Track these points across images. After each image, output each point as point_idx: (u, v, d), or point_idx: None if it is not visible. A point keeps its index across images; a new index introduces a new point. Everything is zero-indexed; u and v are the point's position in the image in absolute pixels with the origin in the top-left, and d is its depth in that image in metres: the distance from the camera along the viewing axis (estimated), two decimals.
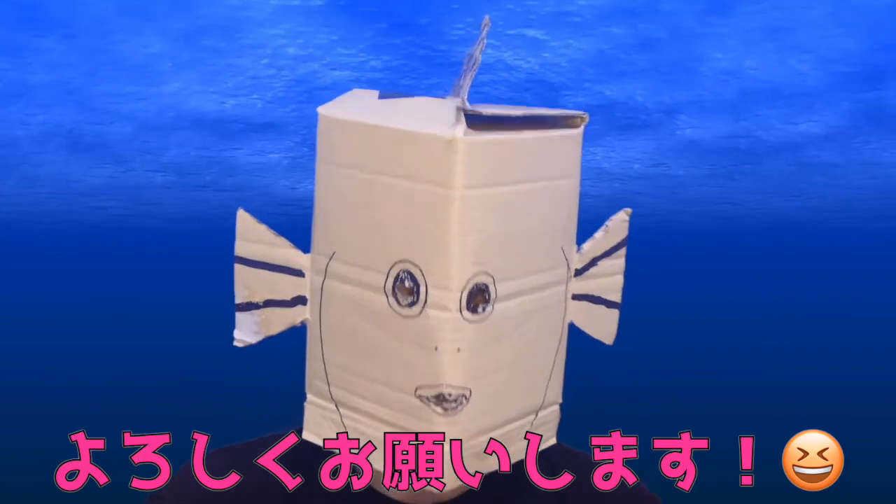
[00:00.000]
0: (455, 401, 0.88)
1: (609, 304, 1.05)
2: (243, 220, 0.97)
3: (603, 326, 1.05)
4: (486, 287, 0.87)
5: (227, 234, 1.00)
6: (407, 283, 0.87)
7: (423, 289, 0.86)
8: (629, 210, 1.04)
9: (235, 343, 1.01)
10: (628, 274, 1.06)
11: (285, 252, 0.97)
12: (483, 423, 0.91)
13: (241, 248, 0.98)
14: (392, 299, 0.88)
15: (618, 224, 1.04)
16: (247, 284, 0.98)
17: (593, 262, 1.02)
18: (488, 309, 0.88)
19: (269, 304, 0.98)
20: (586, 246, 1.01)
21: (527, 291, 0.93)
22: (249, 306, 0.99)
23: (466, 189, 0.84)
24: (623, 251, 1.05)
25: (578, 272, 1.00)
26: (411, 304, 0.87)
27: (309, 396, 0.99)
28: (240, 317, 1.00)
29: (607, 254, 1.03)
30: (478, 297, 0.87)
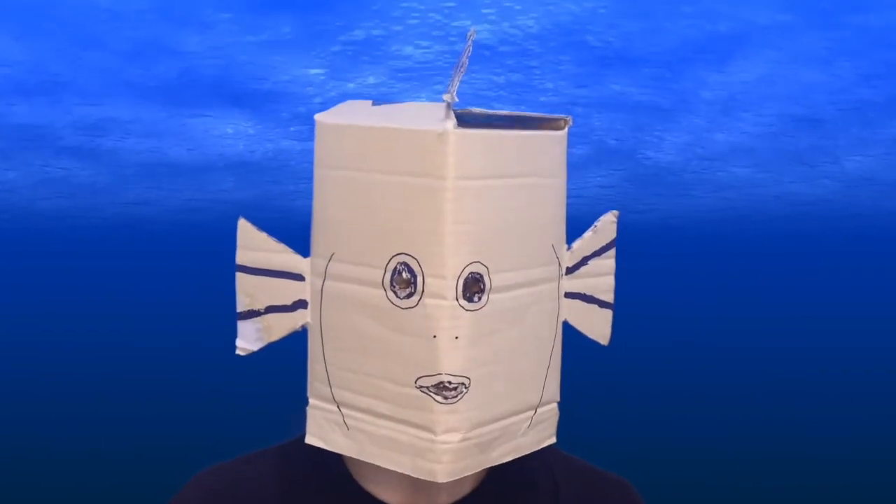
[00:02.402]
0: (454, 389, 0.90)
1: (602, 304, 1.08)
2: (244, 228, 1.00)
3: (597, 326, 1.08)
4: (481, 277, 0.90)
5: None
6: (404, 275, 0.90)
7: (420, 279, 0.89)
8: (616, 212, 1.08)
9: (238, 352, 1.03)
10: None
11: (285, 257, 1.00)
12: (483, 414, 0.93)
13: (241, 257, 1.01)
14: (390, 293, 0.91)
15: (606, 225, 1.07)
16: (248, 292, 1.01)
17: (584, 260, 1.05)
18: (484, 298, 0.91)
19: (270, 310, 1.00)
20: (576, 245, 1.04)
21: (521, 285, 0.95)
22: (251, 314, 1.01)
23: (458, 180, 0.88)
24: (612, 252, 1.08)
25: (570, 270, 1.03)
26: (409, 296, 0.90)
27: (311, 401, 1.00)
28: (241, 325, 1.02)
29: (597, 253, 1.06)
30: (473, 287, 0.90)
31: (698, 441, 6.43)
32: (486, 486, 1.06)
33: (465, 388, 0.90)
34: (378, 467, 1.00)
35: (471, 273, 0.90)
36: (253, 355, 1.05)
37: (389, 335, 0.92)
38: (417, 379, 0.90)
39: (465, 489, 1.05)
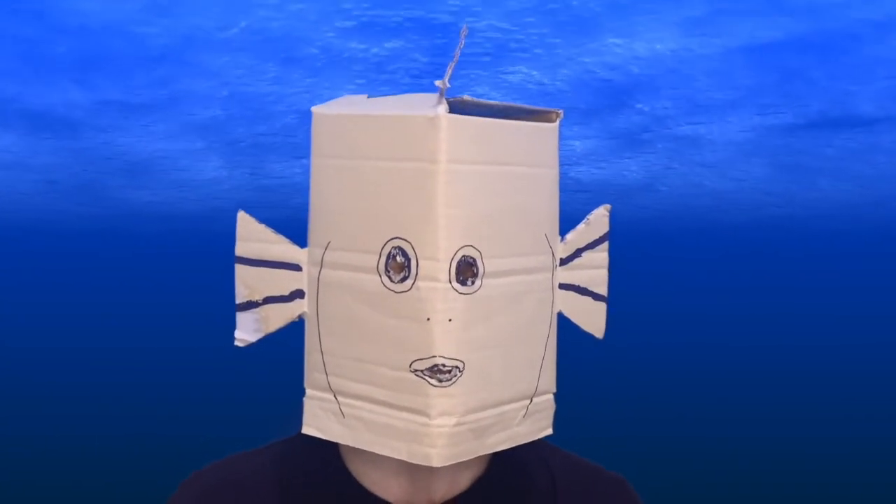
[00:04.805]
0: (449, 372, 0.91)
1: (596, 296, 1.09)
2: (243, 220, 1.02)
3: (592, 319, 1.09)
4: (474, 261, 0.92)
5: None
6: (399, 259, 0.91)
7: (413, 263, 0.91)
8: (608, 206, 1.09)
9: (237, 343, 1.04)
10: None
11: (283, 248, 1.01)
12: (477, 399, 0.94)
13: (241, 248, 1.03)
14: (385, 277, 0.92)
15: (598, 218, 1.09)
16: (247, 283, 1.03)
17: (578, 252, 1.06)
18: (477, 283, 0.92)
19: (268, 300, 1.02)
20: (570, 236, 1.06)
21: (514, 272, 0.97)
22: (249, 305, 1.03)
23: (450, 163, 0.90)
24: (605, 245, 1.09)
25: (564, 262, 1.04)
26: (403, 280, 0.91)
27: (308, 391, 1.01)
28: (240, 316, 1.03)
29: (590, 246, 1.08)
30: (466, 271, 0.91)
31: (697, 440, 6.46)
32: (484, 482, 1.06)
33: (460, 371, 0.91)
34: (376, 464, 1.01)
35: (463, 256, 0.91)
36: (249, 353, 1.06)
37: (384, 320, 0.93)
38: (412, 363, 0.91)
39: (463, 484, 1.05)
